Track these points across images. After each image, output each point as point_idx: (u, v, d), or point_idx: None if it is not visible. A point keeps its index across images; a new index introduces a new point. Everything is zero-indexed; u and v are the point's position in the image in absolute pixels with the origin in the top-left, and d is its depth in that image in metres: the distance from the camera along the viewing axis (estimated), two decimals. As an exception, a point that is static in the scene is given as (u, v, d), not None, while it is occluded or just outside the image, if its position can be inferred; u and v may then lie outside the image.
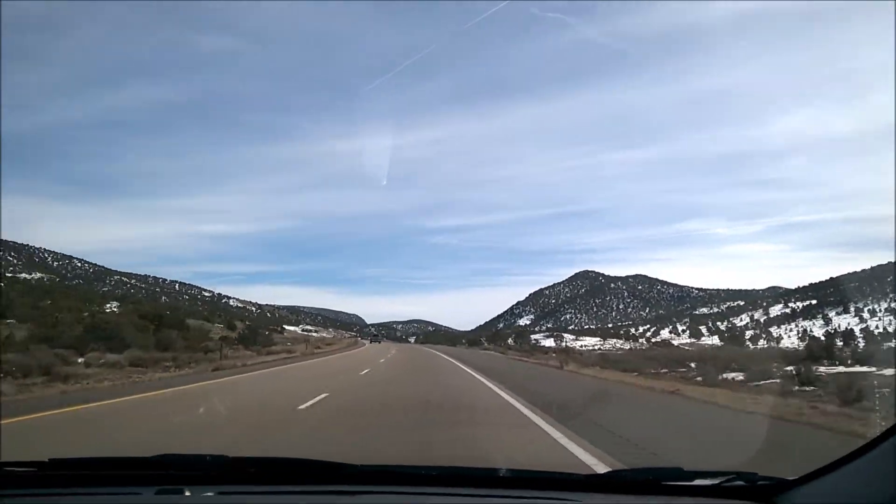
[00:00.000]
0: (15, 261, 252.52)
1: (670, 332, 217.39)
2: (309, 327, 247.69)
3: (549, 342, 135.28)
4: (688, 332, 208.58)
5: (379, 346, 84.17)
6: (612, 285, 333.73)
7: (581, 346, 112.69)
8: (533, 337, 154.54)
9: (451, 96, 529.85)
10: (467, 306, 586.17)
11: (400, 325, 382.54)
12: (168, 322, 38.46)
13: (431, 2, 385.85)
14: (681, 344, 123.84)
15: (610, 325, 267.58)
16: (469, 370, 27.18)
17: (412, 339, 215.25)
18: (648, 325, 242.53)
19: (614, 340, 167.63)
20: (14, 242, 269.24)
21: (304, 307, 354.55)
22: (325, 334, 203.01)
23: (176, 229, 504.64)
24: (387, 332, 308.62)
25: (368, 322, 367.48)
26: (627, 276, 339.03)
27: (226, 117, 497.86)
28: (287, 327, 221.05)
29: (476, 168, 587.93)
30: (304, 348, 53.83)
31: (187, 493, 1.79)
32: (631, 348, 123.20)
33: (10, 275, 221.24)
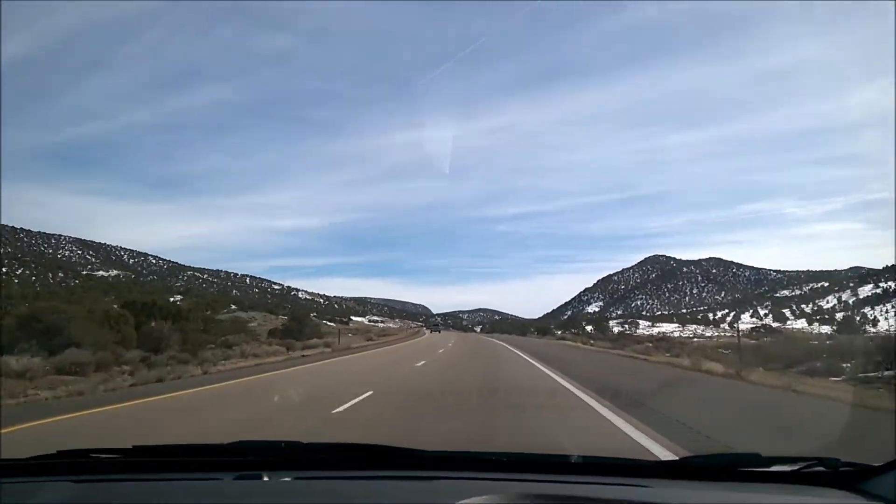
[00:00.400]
0: (93, 259, 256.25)
1: (751, 317, 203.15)
2: (375, 318, 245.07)
3: (620, 328, 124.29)
4: (770, 315, 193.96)
5: (438, 336, 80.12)
6: (685, 269, 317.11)
7: (660, 333, 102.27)
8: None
9: (510, 84, 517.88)
10: (533, 294, 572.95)
11: (466, 315, 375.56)
12: (165, 313, 30.15)
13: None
14: (785, 328, 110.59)
15: (684, 311, 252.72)
16: (555, 375, 17.74)
17: (478, 329, 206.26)
18: (727, 310, 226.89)
19: (693, 326, 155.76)
20: (92, 241, 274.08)
21: (371, 298, 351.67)
22: (391, 324, 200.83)
23: (247, 225, 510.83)
24: (452, 321, 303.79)
25: (435, 311, 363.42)
26: (700, 260, 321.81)
27: (291, 114, 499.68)
28: (354, 318, 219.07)
29: (537, 154, 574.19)
30: (344, 341, 45.05)
31: (265, 479, 1.79)
32: (716, 335, 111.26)
33: (87, 272, 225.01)
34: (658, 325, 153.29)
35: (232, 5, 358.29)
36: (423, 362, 22.75)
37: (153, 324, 26.15)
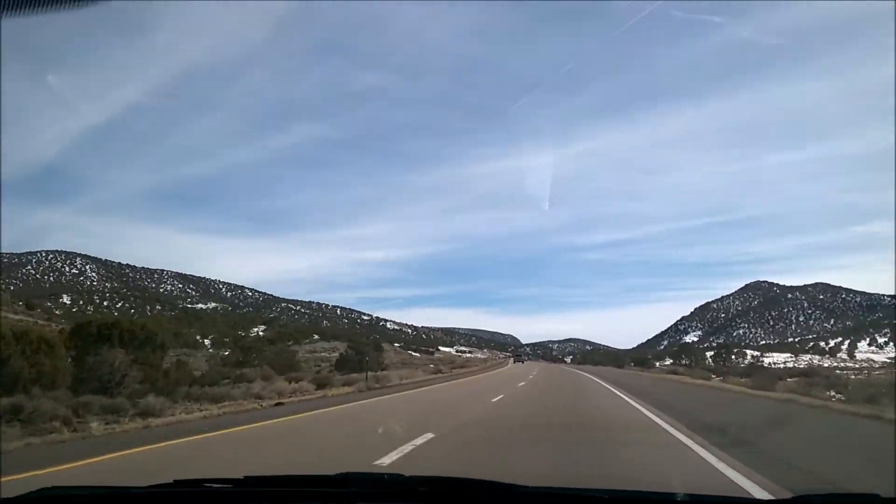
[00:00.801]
0: (193, 292, 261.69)
1: (869, 345, 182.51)
2: (463, 348, 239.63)
3: (735, 358, 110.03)
4: (892, 344, 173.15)
5: (522, 367, 76.61)
6: (789, 296, 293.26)
7: (772, 364, 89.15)
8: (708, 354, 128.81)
9: (601, 107, 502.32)
10: (626, 323, 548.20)
11: (556, 345, 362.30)
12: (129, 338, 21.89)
13: (571, 17, 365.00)
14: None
15: (791, 339, 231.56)
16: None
17: (568, 359, 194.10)
18: (840, 338, 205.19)
19: (808, 356, 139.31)
20: (192, 275, 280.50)
21: (459, 328, 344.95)
22: (479, 354, 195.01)
23: (339, 257, 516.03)
24: (542, 351, 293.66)
25: (524, 342, 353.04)
26: (806, 286, 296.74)
27: (382, 148, 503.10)
28: (441, 348, 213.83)
29: (629, 179, 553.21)
30: (399, 374, 36.57)
31: None
32: (835, 365, 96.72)
33: (189, 305, 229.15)
34: (768, 354, 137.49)
35: (327, 46, 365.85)
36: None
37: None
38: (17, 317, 72.42)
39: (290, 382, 24.35)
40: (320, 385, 25.95)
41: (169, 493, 2.02)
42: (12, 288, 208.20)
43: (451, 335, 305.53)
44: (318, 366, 49.59)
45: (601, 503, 1.90)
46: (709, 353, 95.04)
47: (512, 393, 22.43)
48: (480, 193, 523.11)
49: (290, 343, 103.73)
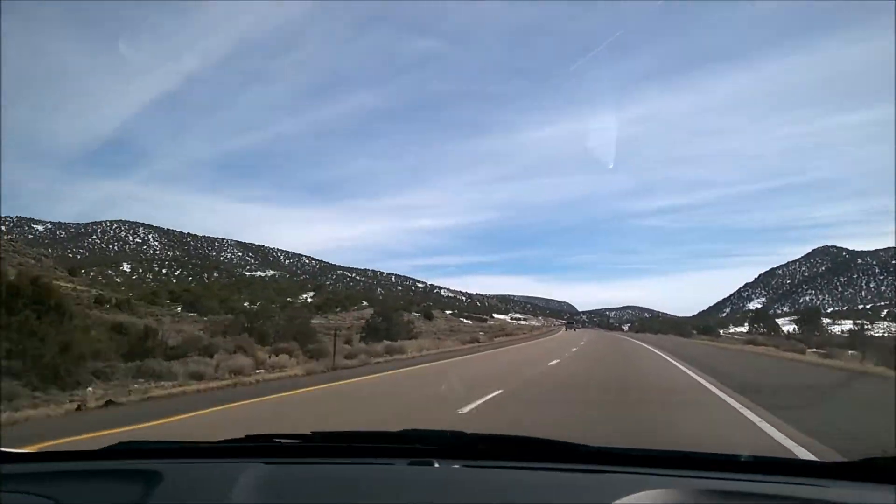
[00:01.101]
0: (252, 260, 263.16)
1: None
2: (518, 315, 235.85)
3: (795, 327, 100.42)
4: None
5: (573, 334, 72.38)
6: (859, 261, 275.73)
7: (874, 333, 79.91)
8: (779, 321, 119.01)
9: (656, 70, 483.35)
10: (685, 291, 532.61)
11: (613, 313, 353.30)
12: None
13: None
14: None
15: (863, 307, 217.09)
16: None
17: (625, 327, 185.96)
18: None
19: (886, 324, 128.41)
20: (251, 244, 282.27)
21: (514, 296, 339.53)
22: (533, 322, 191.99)
23: (393, 226, 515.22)
24: (599, 318, 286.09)
25: (580, 310, 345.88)
26: (877, 250, 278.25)
27: (433, 116, 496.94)
28: (496, 315, 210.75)
29: (687, 143, 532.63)
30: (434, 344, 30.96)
31: (436, 465, 1.85)
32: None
33: (248, 272, 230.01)
34: (839, 322, 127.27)
35: (375, 13, 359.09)
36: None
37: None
38: (59, 283, 70.59)
39: (273, 355, 19.09)
40: (314, 356, 20.77)
41: (240, 447, 2.06)
42: (78, 257, 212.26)
43: (505, 302, 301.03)
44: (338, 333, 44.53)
45: (662, 463, 1.89)
46: (782, 321, 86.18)
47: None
48: (535, 159, 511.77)
49: (338, 309, 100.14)
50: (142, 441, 2.15)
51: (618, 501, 1.44)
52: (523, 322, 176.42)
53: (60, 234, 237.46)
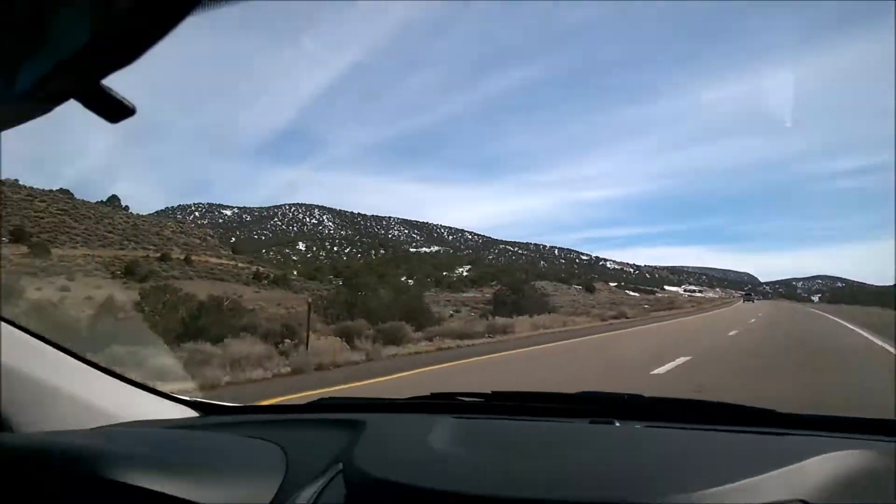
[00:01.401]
0: (417, 237, 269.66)
1: None
2: (692, 287, 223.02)
3: None
4: None
5: (751, 306, 67.27)
6: None
7: None
8: None
9: (838, 18, 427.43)
10: (884, 259, 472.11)
11: (800, 283, 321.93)
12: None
13: None
14: None
15: None
16: None
17: (815, 298, 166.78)
18: None
19: None
20: (417, 221, 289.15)
21: (688, 267, 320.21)
22: (710, 294, 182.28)
23: (558, 198, 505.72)
24: (784, 289, 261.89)
25: (762, 280, 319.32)
26: None
27: (596, 84, 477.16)
28: (667, 287, 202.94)
29: (879, 95, 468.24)
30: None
31: (617, 424, 1.84)
32: None
33: (413, 249, 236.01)
34: None
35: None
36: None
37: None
38: (219, 261, 74.18)
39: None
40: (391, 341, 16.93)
41: (426, 404, 2.19)
42: (263, 238, 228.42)
43: (678, 274, 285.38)
44: (457, 311, 40.85)
45: (853, 428, 1.78)
46: None
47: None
48: (707, 123, 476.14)
49: (493, 283, 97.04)
50: (339, 397, 2.31)
51: (810, 459, 1.39)
52: (698, 294, 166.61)
53: (246, 217, 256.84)
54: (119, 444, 1.31)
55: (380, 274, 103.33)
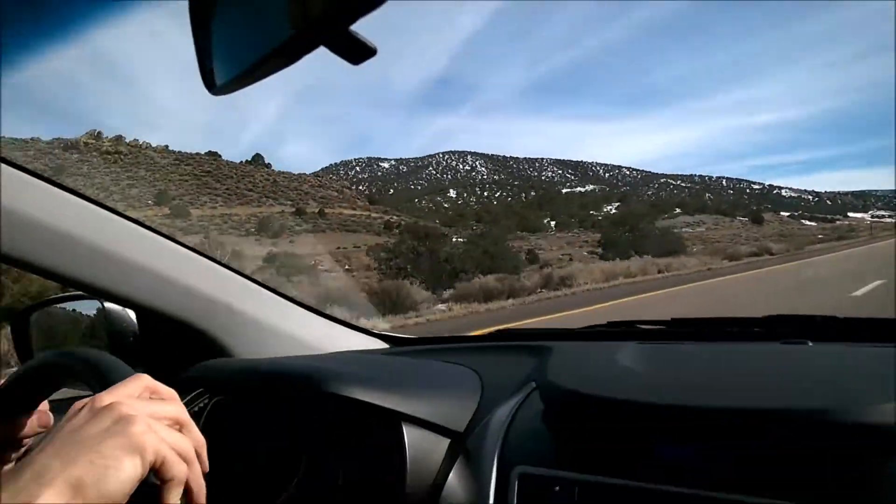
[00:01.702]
0: (571, 177, 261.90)
1: None
2: (881, 212, 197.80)
3: None
4: None
5: None
6: None
7: None
8: None
9: None
10: None
11: None
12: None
13: None
14: None
15: None
16: None
17: None
18: None
19: None
20: (570, 160, 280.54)
21: (876, 191, 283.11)
22: None
23: (723, 126, 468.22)
24: None
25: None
26: None
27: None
28: (851, 214, 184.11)
29: None
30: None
31: (810, 344, 1.65)
32: None
33: (568, 189, 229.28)
34: None
35: None
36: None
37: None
38: (353, 212, 75.09)
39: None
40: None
41: (605, 332, 2.09)
42: (419, 188, 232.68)
43: (864, 199, 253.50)
44: (569, 257, 37.19)
45: None
46: None
47: None
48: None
49: (644, 219, 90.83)
50: (518, 328, 2.32)
51: None
52: (888, 220, 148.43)
53: (402, 168, 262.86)
54: (333, 364, 1.45)
55: (521, 217, 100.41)
